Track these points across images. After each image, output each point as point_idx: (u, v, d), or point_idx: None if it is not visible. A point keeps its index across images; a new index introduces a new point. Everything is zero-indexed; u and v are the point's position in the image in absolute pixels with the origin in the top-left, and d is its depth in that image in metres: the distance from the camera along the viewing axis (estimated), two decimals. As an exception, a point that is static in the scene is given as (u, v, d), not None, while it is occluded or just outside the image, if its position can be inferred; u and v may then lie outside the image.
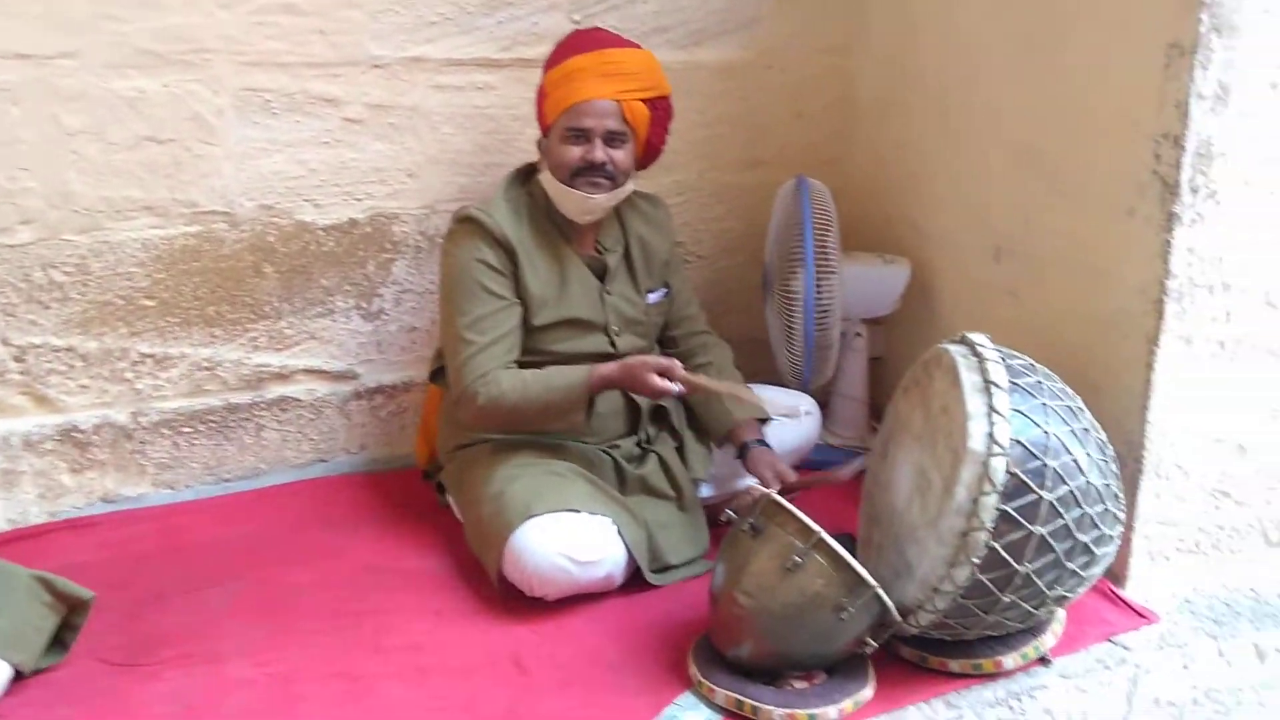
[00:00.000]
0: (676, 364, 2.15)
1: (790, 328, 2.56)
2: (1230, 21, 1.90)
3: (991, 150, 2.44)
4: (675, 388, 2.13)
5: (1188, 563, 2.22)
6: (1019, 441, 1.77)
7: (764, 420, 2.38)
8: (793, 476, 2.24)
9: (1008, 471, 1.75)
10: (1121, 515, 1.88)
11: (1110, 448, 1.90)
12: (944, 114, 2.60)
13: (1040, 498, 1.76)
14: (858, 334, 2.72)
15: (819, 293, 2.52)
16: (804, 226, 2.51)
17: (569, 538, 2.01)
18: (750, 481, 2.14)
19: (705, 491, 2.37)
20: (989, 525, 1.75)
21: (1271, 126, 2.01)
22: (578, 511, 2.06)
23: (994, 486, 1.75)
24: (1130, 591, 2.16)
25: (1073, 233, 2.22)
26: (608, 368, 2.16)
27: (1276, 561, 2.30)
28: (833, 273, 2.53)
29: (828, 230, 2.55)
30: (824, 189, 2.60)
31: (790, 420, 2.15)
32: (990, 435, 1.77)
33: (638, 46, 2.24)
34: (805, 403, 2.51)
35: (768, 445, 2.32)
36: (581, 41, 2.22)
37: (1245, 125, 1.99)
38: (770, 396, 2.15)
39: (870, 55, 2.85)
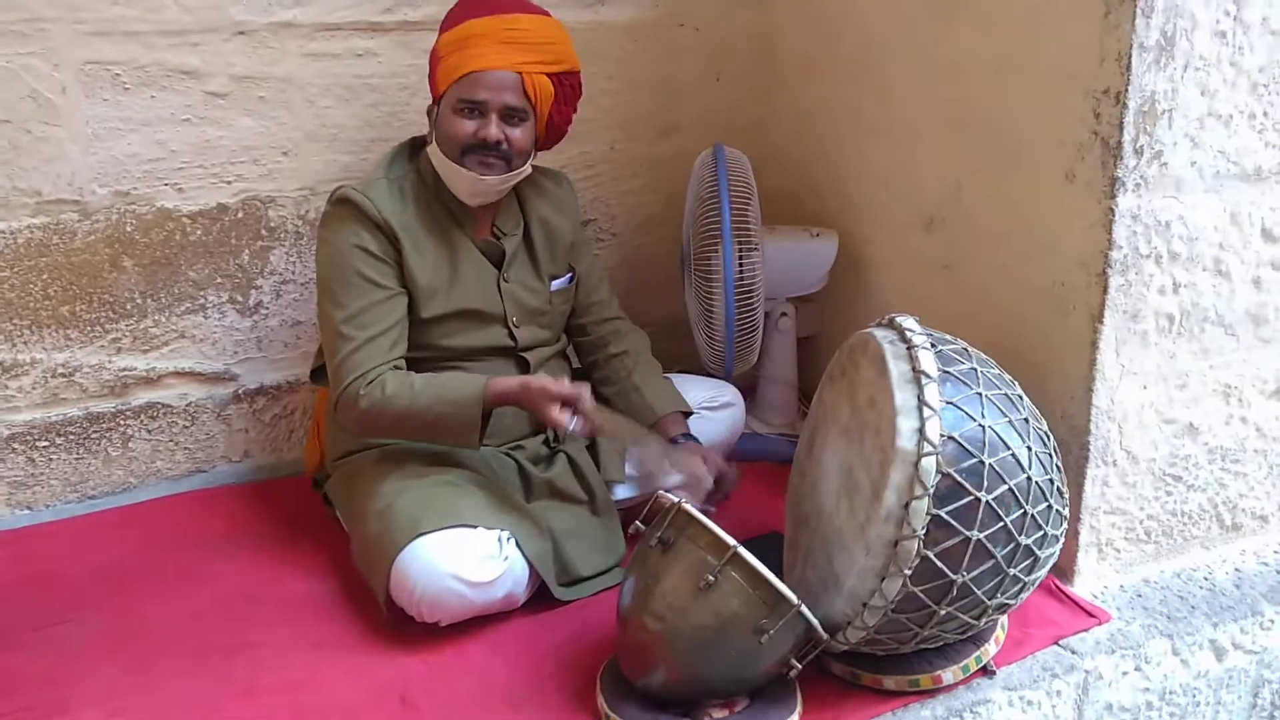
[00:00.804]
0: (585, 394, 1.93)
1: (709, 310, 2.37)
2: (1174, -37, 1.73)
3: (919, 112, 2.25)
4: (574, 425, 1.92)
5: (1138, 553, 2.07)
6: (952, 438, 1.60)
7: (687, 413, 2.19)
8: (729, 469, 2.07)
9: (940, 472, 1.58)
10: (1065, 512, 1.72)
11: (1052, 438, 1.72)
12: (868, 73, 2.41)
13: (977, 499, 1.59)
14: (784, 314, 2.53)
15: (739, 271, 2.33)
16: (721, 199, 2.31)
17: (461, 557, 1.80)
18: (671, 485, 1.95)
19: (624, 493, 2.17)
20: (921, 532, 1.57)
21: (1219, 80, 1.83)
22: (472, 526, 1.85)
23: (925, 489, 1.57)
24: (1078, 587, 2.01)
25: (1007, 200, 2.04)
26: (506, 384, 1.94)
27: (1232, 547, 2.16)
28: (754, 248, 2.34)
29: (747, 202, 2.36)
30: (742, 157, 2.40)
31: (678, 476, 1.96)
32: (920, 432, 1.59)
33: (545, 13, 2.01)
34: (729, 393, 2.31)
35: (695, 439, 2.13)
36: (482, 3, 1.99)
37: (1191, 79, 1.81)
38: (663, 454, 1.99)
39: (788, 10, 2.64)
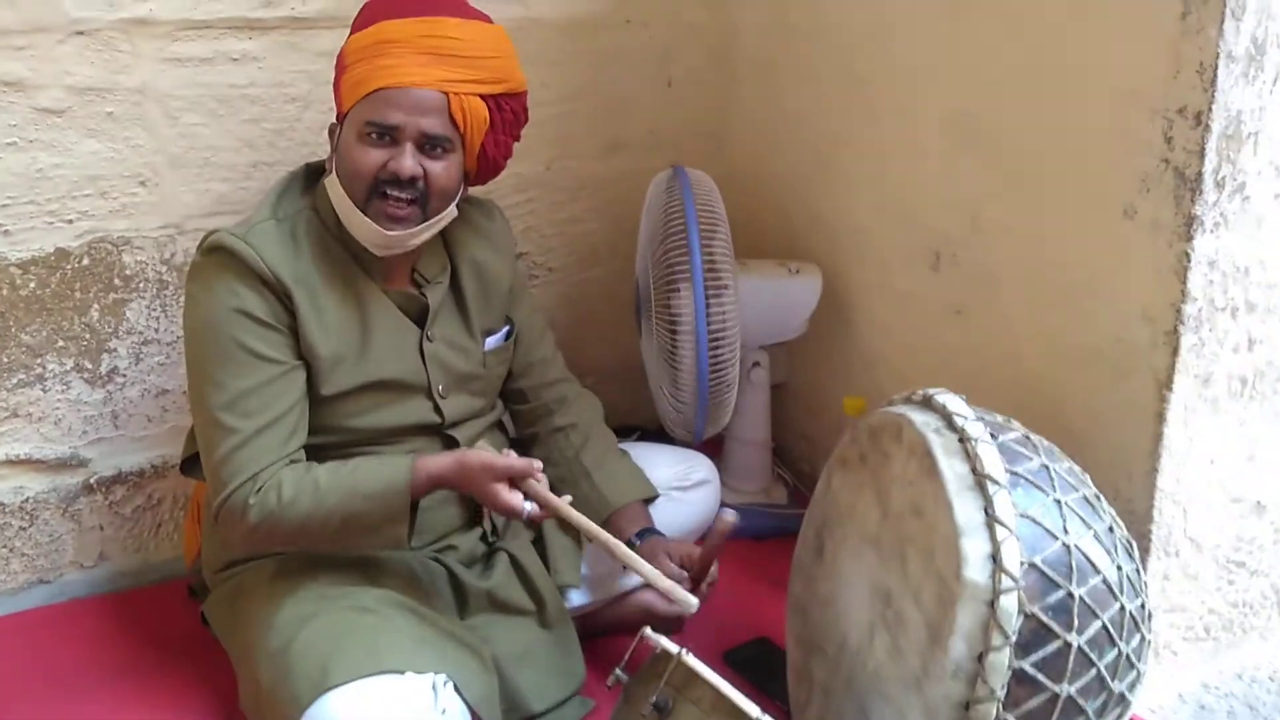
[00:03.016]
0: (534, 469, 1.55)
1: (674, 364, 1.97)
2: (1273, -49, 1.40)
3: (922, 125, 1.89)
4: (528, 508, 1.53)
5: (1197, 653, 1.75)
6: (1034, 565, 1.24)
7: (649, 499, 1.80)
8: (713, 575, 1.68)
9: (1023, 612, 1.22)
10: (1151, 638, 1.37)
11: (1134, 545, 1.38)
12: (853, 79, 2.04)
13: (1067, 644, 1.24)
14: (756, 364, 2.15)
15: (709, 315, 1.94)
16: (688, 230, 1.92)
17: (385, 717, 1.38)
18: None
19: (579, 599, 1.77)
20: (1001, 693, 1.21)
21: (1312, 93, 1.51)
22: (398, 672, 1.43)
23: (1006, 636, 1.21)
24: (1136, 704, 1.67)
25: (1041, 236, 1.70)
26: (438, 464, 1.54)
27: (1293, 634, 1.86)
28: (725, 288, 1.95)
29: (715, 233, 1.97)
30: (708, 180, 2.02)
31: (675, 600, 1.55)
32: (994, 559, 1.23)
33: (485, 18, 1.59)
34: (702, 468, 1.92)
35: (660, 533, 1.74)
36: (405, 0, 1.56)
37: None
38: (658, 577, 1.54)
39: (752, 2, 2.25)
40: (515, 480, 1.55)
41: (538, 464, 1.57)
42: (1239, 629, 1.79)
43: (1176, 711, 1.69)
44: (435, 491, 1.58)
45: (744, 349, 2.08)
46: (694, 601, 1.53)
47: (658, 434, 2.18)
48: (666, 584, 1.54)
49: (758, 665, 1.75)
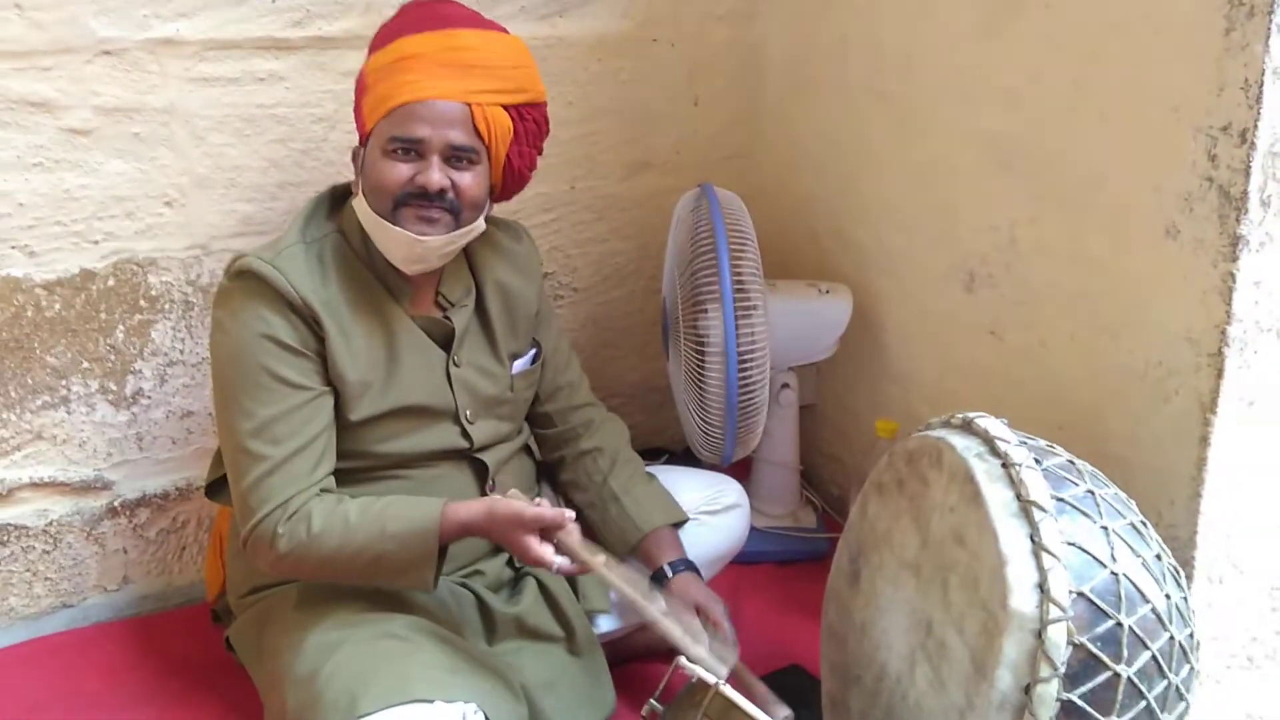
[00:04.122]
0: (567, 521, 1.51)
1: (702, 385, 1.95)
2: (1321, -36, 1.37)
3: (956, 144, 1.86)
4: (559, 561, 1.50)
5: (1240, 682, 1.71)
6: (1082, 594, 1.21)
7: (679, 523, 1.77)
8: (730, 636, 1.61)
9: (1071, 643, 1.18)
10: (1199, 669, 1.34)
11: (1181, 573, 1.35)
12: (884, 98, 2.02)
13: (1116, 675, 1.20)
14: (785, 385, 2.12)
15: (738, 336, 1.91)
16: (717, 250, 1.90)
17: (415, 748, 1.36)
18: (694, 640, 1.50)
19: (607, 625, 1.75)
20: (1049, 726, 1.17)
21: (1358, 110, 1.48)
22: (428, 701, 1.40)
23: (1054, 668, 1.18)
24: (1178, 734, 1.63)
25: (1080, 256, 1.67)
26: (468, 511, 1.51)
27: (1337, 663, 1.81)
28: (754, 308, 1.93)
29: (743, 252, 1.95)
30: (736, 199, 2.00)
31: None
32: (1042, 589, 1.20)
33: (502, 29, 1.59)
34: (732, 492, 1.89)
35: (696, 570, 1.71)
36: (421, 15, 1.56)
37: (1326, 110, 1.45)
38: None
39: (780, 22, 2.24)
40: (546, 531, 1.52)
41: (570, 514, 1.53)
42: (1283, 658, 1.75)
43: (1221, 743, 1.65)
44: (464, 538, 1.56)
45: (773, 370, 2.05)
46: (723, 673, 1.43)
47: (684, 456, 2.16)
48: (697, 652, 1.47)
49: (790, 693, 1.70)
